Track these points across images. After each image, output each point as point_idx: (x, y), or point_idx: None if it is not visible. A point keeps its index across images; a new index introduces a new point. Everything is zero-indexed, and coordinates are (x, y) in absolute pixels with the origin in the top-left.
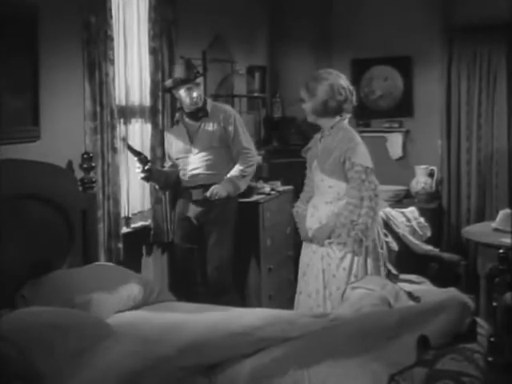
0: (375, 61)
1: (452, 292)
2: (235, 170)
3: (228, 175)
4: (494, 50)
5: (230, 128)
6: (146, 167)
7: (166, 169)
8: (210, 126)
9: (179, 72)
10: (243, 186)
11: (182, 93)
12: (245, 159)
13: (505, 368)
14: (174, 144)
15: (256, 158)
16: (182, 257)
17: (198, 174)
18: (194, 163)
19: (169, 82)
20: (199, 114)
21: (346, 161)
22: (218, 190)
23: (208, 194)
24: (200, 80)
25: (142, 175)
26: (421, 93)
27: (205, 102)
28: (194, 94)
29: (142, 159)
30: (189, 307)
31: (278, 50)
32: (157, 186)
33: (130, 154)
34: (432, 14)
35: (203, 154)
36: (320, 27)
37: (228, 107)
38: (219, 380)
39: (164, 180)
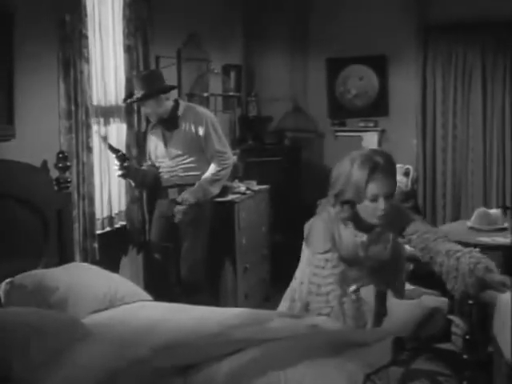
0: (350, 60)
1: (422, 300)
2: (207, 175)
3: (200, 180)
4: (469, 50)
5: (201, 132)
6: (125, 164)
7: (143, 167)
8: (182, 131)
9: (135, 87)
10: (215, 190)
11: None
12: (218, 162)
13: (479, 365)
14: (153, 147)
15: (231, 160)
16: (158, 255)
17: (174, 176)
18: (170, 166)
19: (124, 98)
20: (171, 123)
21: None
22: (187, 197)
23: (179, 199)
24: (151, 100)
25: (120, 172)
26: (396, 92)
27: (175, 109)
28: (147, 111)
29: (120, 156)
30: (165, 307)
31: (253, 49)
32: (133, 184)
33: (108, 153)
34: (407, 14)
35: (178, 158)
36: (295, 26)
37: (201, 110)
38: (195, 381)
39: (141, 178)
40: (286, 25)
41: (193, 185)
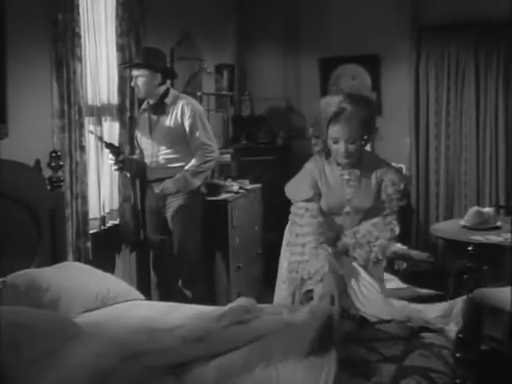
0: (343, 59)
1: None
2: (190, 166)
3: (183, 170)
4: (462, 49)
5: (187, 123)
6: (120, 158)
7: (135, 156)
8: (167, 120)
9: (136, 57)
10: (197, 182)
11: (133, 78)
12: (202, 155)
13: (472, 364)
14: (139, 134)
15: (215, 154)
16: (155, 249)
17: (157, 168)
18: (154, 156)
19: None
20: (158, 109)
21: None
22: (168, 186)
23: (158, 189)
24: (147, 72)
25: (116, 167)
26: (389, 91)
27: (164, 97)
28: (137, 83)
29: (115, 151)
30: (157, 306)
31: (246, 48)
32: (128, 175)
33: (100, 152)
34: (400, 13)
35: (162, 147)
36: (288, 25)
37: (190, 100)
38: (187, 379)
39: (135, 168)
40: (278, 24)
41: (170, 178)
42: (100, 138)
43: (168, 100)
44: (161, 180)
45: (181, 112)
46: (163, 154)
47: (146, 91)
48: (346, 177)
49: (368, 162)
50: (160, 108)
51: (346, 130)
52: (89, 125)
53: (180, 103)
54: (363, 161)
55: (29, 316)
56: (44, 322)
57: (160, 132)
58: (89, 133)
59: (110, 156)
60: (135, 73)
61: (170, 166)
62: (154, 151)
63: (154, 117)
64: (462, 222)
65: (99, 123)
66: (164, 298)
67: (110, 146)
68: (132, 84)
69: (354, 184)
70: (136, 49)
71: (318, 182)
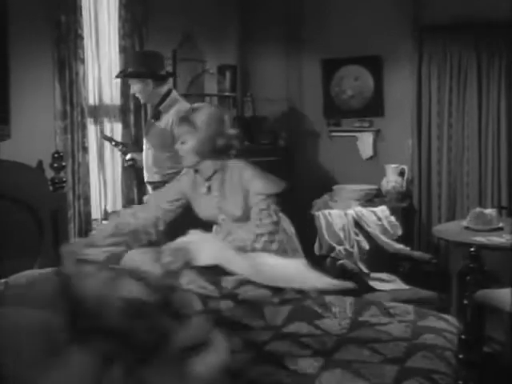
0: (345, 60)
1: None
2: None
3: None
4: (464, 50)
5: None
6: (128, 157)
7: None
8: (162, 124)
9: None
10: None
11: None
12: None
13: (475, 365)
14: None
15: None
16: None
17: (151, 172)
18: (148, 159)
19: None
20: (154, 113)
21: None
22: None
23: None
24: (137, 80)
25: (126, 164)
26: (391, 92)
27: (162, 101)
28: (134, 91)
29: (123, 150)
30: None
31: (248, 49)
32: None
33: (102, 152)
34: (402, 14)
35: (152, 151)
36: (290, 26)
37: (182, 106)
38: None
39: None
40: (280, 25)
41: (161, 181)
42: (105, 137)
43: (162, 107)
44: (153, 184)
45: (171, 121)
46: (155, 157)
47: (144, 97)
48: (206, 186)
49: (231, 170)
50: (155, 113)
51: (179, 130)
52: (103, 128)
53: (175, 109)
54: (224, 169)
55: (29, 318)
56: (44, 323)
57: (153, 135)
58: (98, 133)
59: (119, 153)
60: (130, 81)
61: (162, 171)
62: (147, 154)
63: (152, 120)
64: (465, 223)
65: (100, 124)
66: None
67: (117, 144)
68: (131, 92)
69: (217, 193)
70: (134, 55)
71: (188, 193)
